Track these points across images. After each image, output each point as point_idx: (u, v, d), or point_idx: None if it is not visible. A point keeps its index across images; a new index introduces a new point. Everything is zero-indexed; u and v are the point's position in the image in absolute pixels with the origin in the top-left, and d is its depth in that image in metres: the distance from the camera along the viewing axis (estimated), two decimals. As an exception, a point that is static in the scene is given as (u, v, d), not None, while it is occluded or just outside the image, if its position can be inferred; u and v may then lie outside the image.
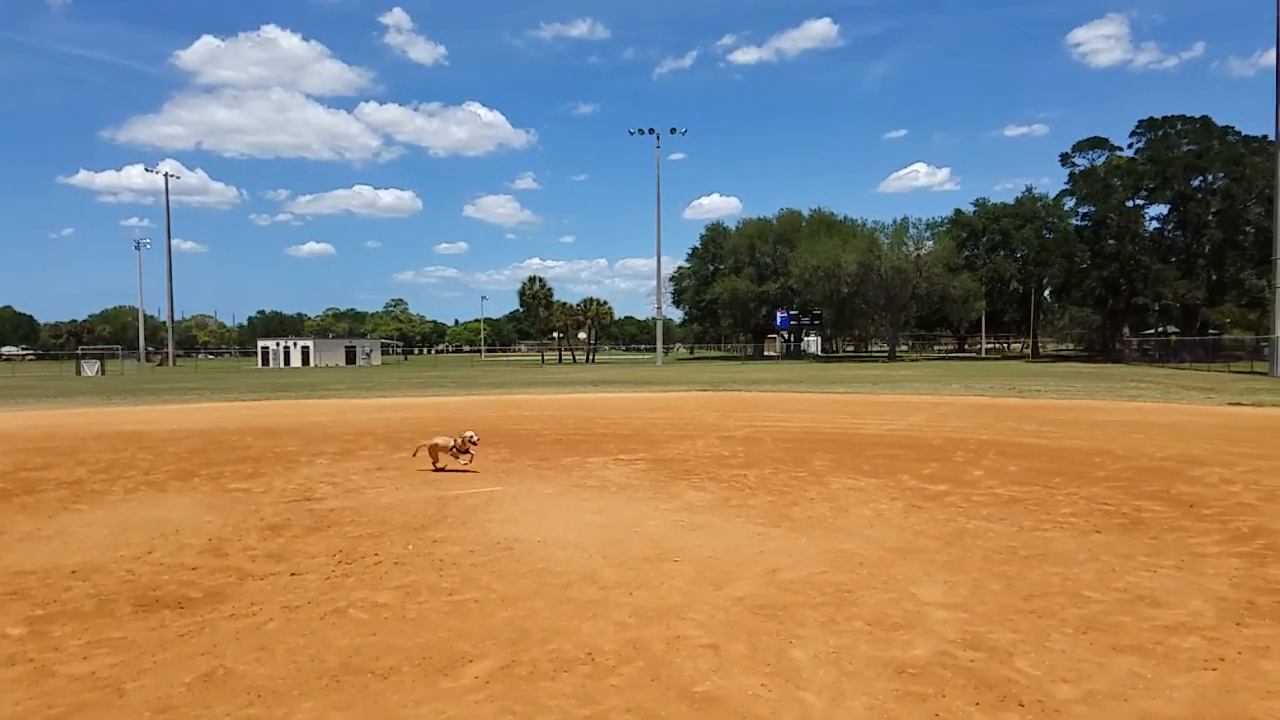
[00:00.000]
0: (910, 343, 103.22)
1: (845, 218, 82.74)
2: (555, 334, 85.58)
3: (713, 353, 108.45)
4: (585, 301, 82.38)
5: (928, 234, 72.43)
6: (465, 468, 10.30)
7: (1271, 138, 38.37)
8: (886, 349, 78.19)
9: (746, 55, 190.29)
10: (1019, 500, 8.29)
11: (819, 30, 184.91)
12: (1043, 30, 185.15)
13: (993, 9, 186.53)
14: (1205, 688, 3.80)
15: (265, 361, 77.91)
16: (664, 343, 72.18)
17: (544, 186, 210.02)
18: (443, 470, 10.26)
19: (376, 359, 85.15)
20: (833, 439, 13.55)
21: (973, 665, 4.07)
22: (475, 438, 10.36)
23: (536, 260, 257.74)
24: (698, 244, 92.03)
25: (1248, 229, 60.12)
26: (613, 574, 5.76)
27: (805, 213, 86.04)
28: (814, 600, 5.14)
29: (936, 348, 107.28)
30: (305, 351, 78.74)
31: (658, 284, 70.12)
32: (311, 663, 4.23)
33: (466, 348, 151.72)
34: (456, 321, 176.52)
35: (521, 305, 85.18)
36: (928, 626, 4.64)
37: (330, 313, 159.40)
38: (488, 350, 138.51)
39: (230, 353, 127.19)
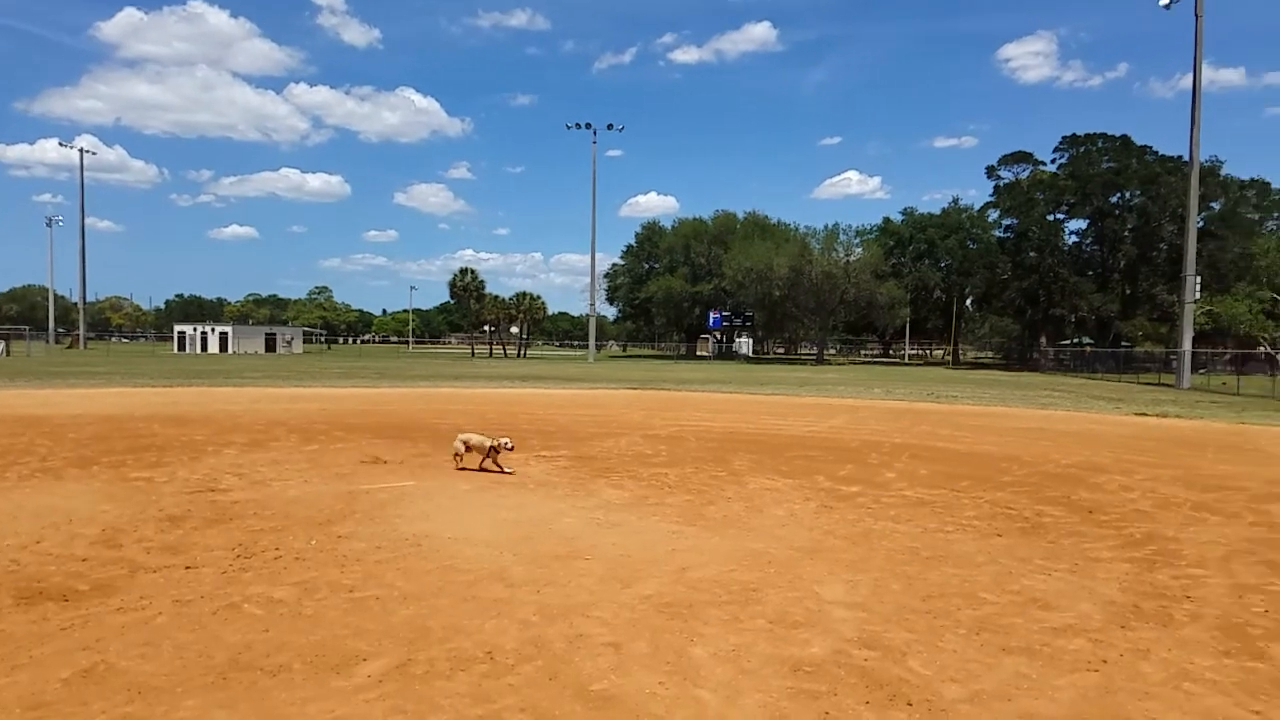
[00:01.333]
0: (838, 347, 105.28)
1: (779, 222, 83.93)
2: (487, 328, 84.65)
3: (646, 351, 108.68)
4: (518, 295, 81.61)
5: (857, 241, 73.97)
6: (489, 468, 9.79)
7: (1186, 158, 40.22)
8: (815, 352, 79.55)
9: (687, 55, 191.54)
10: (926, 503, 8.52)
11: (759, 34, 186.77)
12: (974, 45, 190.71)
13: (926, 22, 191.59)
14: (1086, 689, 3.95)
15: (181, 347, 75.16)
16: (597, 340, 72.07)
17: (479, 177, 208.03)
18: (466, 469, 9.84)
19: (298, 347, 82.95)
20: (755, 439, 13.72)
21: (867, 664, 4.16)
22: (510, 444, 9.71)
23: (470, 251, 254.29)
24: (633, 242, 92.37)
25: (1161, 246, 63.05)
26: (522, 572, 5.71)
27: (740, 215, 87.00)
28: (720, 599, 5.19)
29: (863, 352, 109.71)
30: (224, 338, 76.28)
31: (592, 280, 70.02)
32: (198, 659, 4.10)
33: (394, 339, 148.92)
34: (384, 311, 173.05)
35: (452, 297, 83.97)
36: (827, 625, 4.72)
37: (251, 298, 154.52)
38: (416, 342, 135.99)
39: (145, 337, 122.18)
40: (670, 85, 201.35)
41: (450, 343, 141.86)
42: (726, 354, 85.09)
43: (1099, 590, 5.57)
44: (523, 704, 3.66)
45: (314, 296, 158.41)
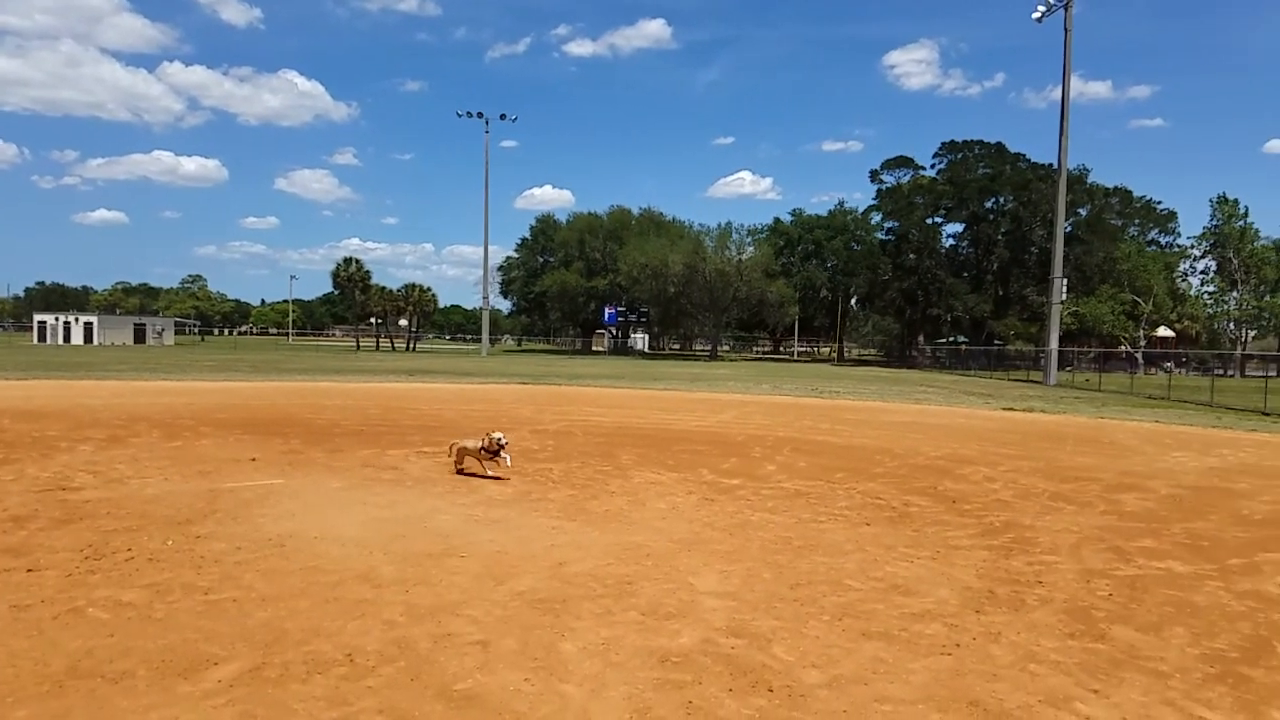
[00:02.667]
0: (731, 343, 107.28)
1: (674, 219, 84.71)
2: (373, 320, 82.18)
3: (541, 346, 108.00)
4: (407, 287, 79.61)
5: (749, 240, 75.43)
6: (495, 472, 9.13)
7: (1056, 166, 42.60)
8: (709, 349, 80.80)
9: (581, 48, 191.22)
10: (803, 494, 8.74)
11: (653, 30, 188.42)
12: (861, 51, 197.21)
13: (815, 26, 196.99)
14: (939, 671, 4.11)
15: (42, 337, 69.93)
16: (491, 334, 71.19)
17: (365, 163, 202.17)
18: (465, 474, 9.25)
19: (169, 339, 78.52)
20: (643, 434, 13.78)
21: (733, 652, 4.21)
22: (504, 440, 9.03)
23: (356, 241, 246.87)
24: (528, 235, 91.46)
25: (1032, 249, 66.77)
26: (391, 571, 5.53)
27: (636, 211, 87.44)
28: (594, 593, 5.16)
29: (755, 349, 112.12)
30: (88, 328, 71.42)
31: (485, 273, 69.11)
32: (34, 666, 3.82)
33: (273, 330, 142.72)
34: (263, 302, 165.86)
35: (336, 287, 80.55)
36: (698, 615, 4.76)
37: (119, 287, 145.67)
38: (297, 334, 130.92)
39: (3, 326, 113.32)
40: (565, 78, 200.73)
41: (334, 335, 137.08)
42: (622, 349, 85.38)
43: (957, 576, 5.81)
44: (381, 706, 3.53)
45: (187, 286, 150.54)
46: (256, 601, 4.84)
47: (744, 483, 9.31)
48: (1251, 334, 62.42)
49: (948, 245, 74.20)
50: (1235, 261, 57.59)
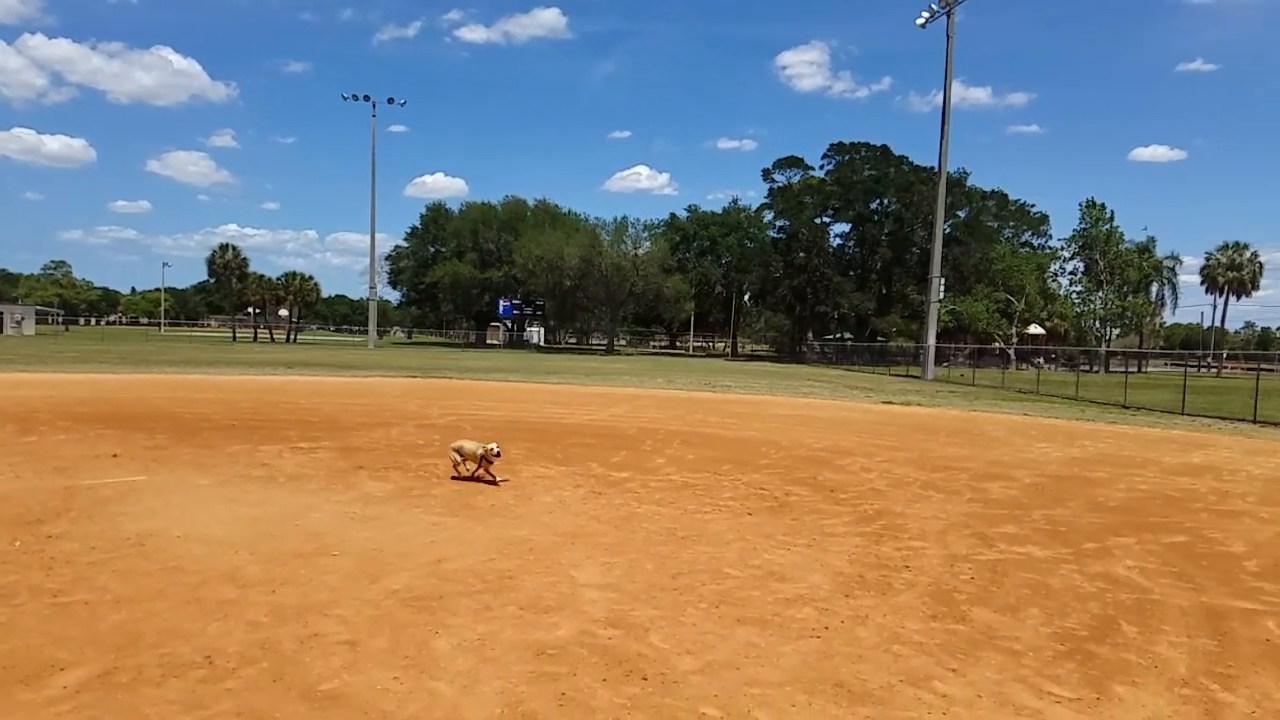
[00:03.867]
0: (629, 338, 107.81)
1: (570, 211, 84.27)
2: (251, 310, 78.60)
3: (432, 339, 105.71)
4: (288, 275, 76.18)
5: (645, 235, 75.90)
6: (482, 477, 8.69)
7: (937, 169, 44.51)
8: (606, 343, 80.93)
9: (474, 33, 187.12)
10: (690, 486, 8.85)
11: (548, 19, 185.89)
12: (754, 50, 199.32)
13: (711, 23, 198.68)
14: (808, 654, 4.23)
15: (-124, 325, 63.92)
16: (379, 326, 69.21)
17: (245, 146, 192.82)
18: (461, 478, 8.76)
19: (30, 328, 72.99)
20: (534, 428, 13.67)
21: (610, 643, 4.22)
22: (497, 450, 8.65)
23: (234, 227, 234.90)
24: (419, 224, 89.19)
25: (913, 249, 69.64)
26: (257, 571, 5.29)
27: (531, 202, 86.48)
28: (473, 588, 5.08)
29: (652, 344, 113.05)
30: (-66, 316, 65.69)
31: (371, 262, 66.97)
32: None
33: (144, 320, 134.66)
34: (134, 290, 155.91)
35: (211, 275, 76.36)
36: (578, 608, 4.76)
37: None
38: (169, 324, 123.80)
39: None
40: (458, 64, 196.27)
41: (209, 325, 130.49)
42: (517, 343, 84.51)
43: (830, 562, 6.01)
44: (240, 708, 3.39)
45: (49, 272, 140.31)
46: (110, 604, 4.56)
47: (633, 475, 9.36)
48: (1115, 332, 67.09)
49: (835, 245, 76.62)
50: (1101, 263, 61.70)
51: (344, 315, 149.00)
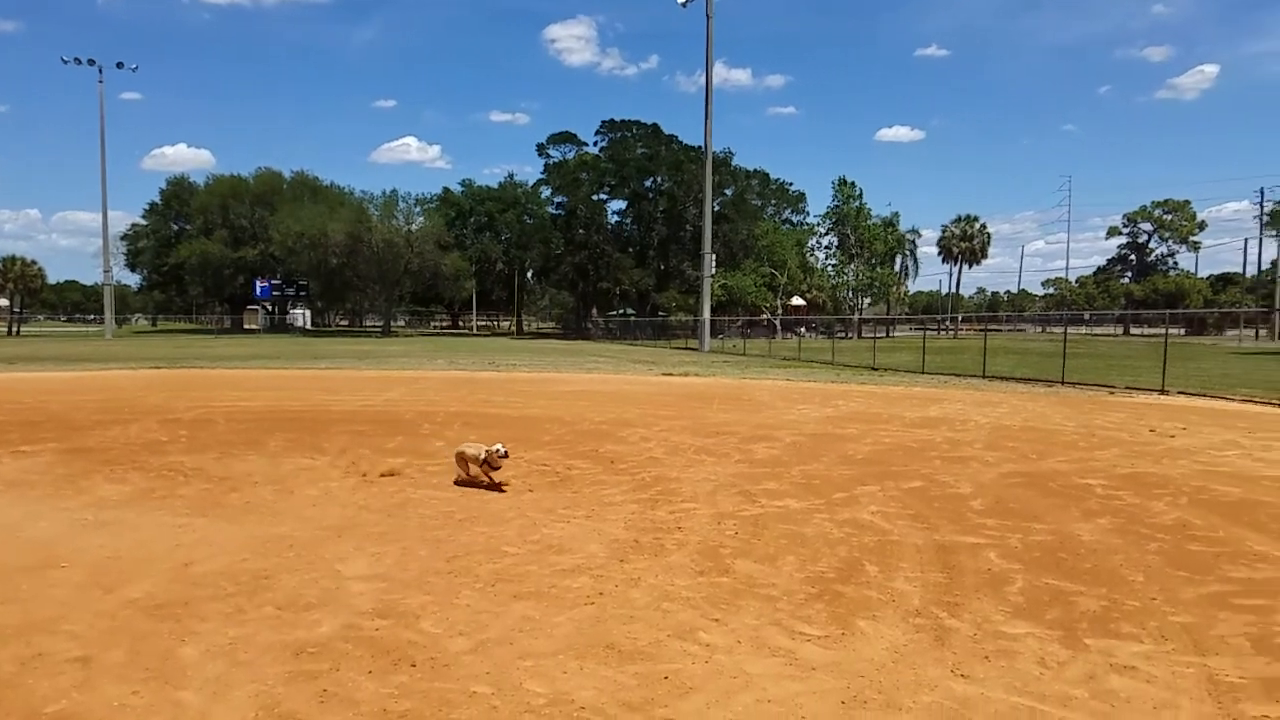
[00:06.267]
0: (407, 318, 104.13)
1: (332, 184, 79.86)
2: (-40, 300, 67.99)
3: (182, 325, 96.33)
4: (6, 260, 66.93)
5: (418, 210, 73.50)
6: (478, 479, 7.80)
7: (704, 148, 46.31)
8: (381, 324, 77.62)
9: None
10: (469, 467, 8.69)
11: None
12: (522, 22, 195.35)
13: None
14: (581, 621, 4.31)
15: None
16: (118, 313, 62.20)
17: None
18: (469, 484, 7.78)
19: None
20: (298, 417, 12.86)
21: (377, 634, 4.07)
22: (503, 450, 7.76)
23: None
24: (159, 199, 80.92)
25: (687, 227, 72.36)
26: (-39, 594, 4.60)
27: (288, 174, 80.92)
28: (225, 591, 4.71)
29: (433, 324, 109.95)
30: None
31: (104, 243, 60.02)
32: None
33: None
34: None
35: (-96, 262, 65.66)
36: (343, 601, 4.55)
37: None
38: None
39: None
40: (199, 26, 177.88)
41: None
42: (280, 327, 78.84)
43: (607, 531, 6.14)
44: (-70, 756, 2.92)
45: None
46: None
47: (409, 460, 9.05)
48: (867, 301, 73.68)
49: (614, 221, 78.13)
50: (852, 238, 67.37)
51: (76, 303, 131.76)
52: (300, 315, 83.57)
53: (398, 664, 3.71)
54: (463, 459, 7.95)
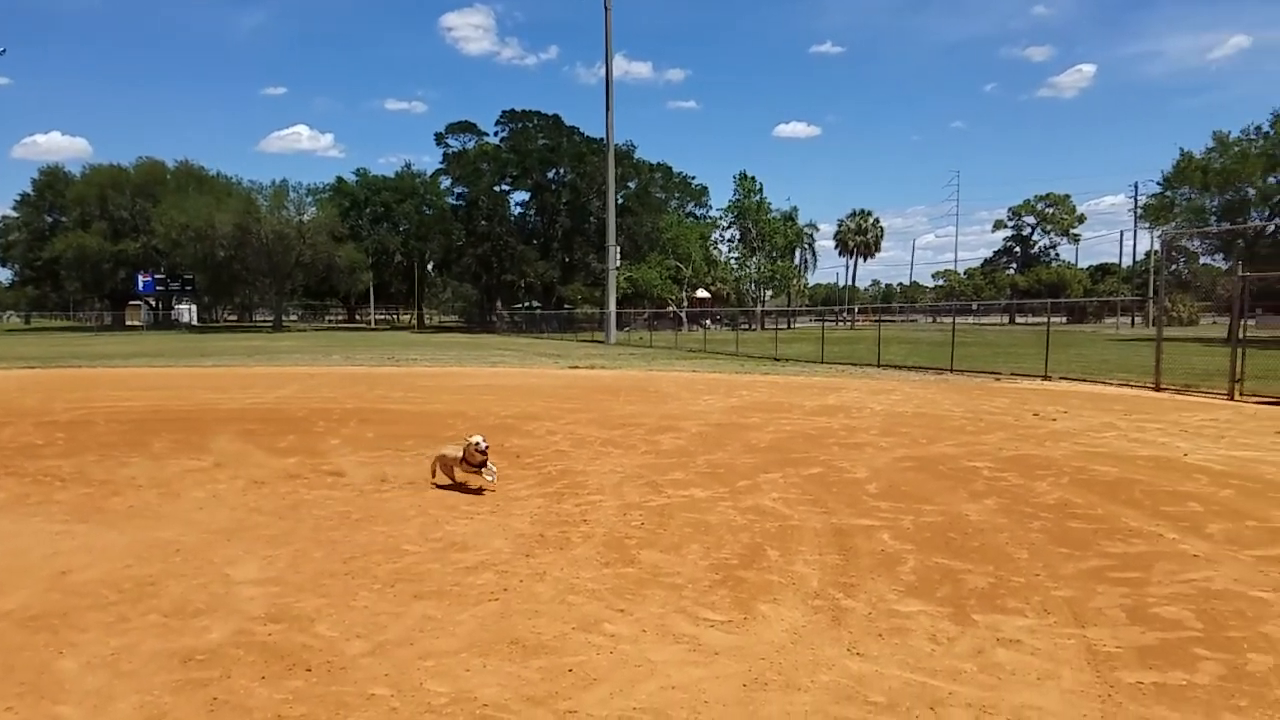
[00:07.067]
0: (300, 313, 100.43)
1: (219, 174, 76.32)
2: None
3: (58, 323, 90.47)
4: None
5: (310, 200, 70.85)
6: (468, 482, 7.30)
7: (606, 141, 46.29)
8: (273, 319, 74.62)
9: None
10: (368, 465, 8.50)
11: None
12: (417, 8, 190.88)
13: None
14: (485, 618, 4.28)
15: None
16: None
17: None
18: (450, 487, 7.35)
19: None
20: (184, 418, 12.28)
21: (270, 639, 3.95)
22: (483, 444, 7.12)
23: None
24: (30, 190, 75.79)
25: (591, 219, 71.93)
26: None
27: (171, 164, 76.85)
28: (106, 600, 4.48)
29: (328, 318, 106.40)
30: None
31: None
32: None
33: None
34: None
35: None
36: (233, 607, 4.39)
37: None
38: None
39: None
40: (74, 8, 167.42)
41: None
42: (165, 323, 74.86)
43: (512, 525, 6.11)
44: None
45: None
46: None
47: (301, 460, 8.77)
48: (769, 293, 75.17)
49: (517, 213, 77.07)
50: (754, 231, 68.67)
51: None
52: (186, 311, 79.52)
53: (292, 669, 3.61)
54: (445, 462, 7.46)
